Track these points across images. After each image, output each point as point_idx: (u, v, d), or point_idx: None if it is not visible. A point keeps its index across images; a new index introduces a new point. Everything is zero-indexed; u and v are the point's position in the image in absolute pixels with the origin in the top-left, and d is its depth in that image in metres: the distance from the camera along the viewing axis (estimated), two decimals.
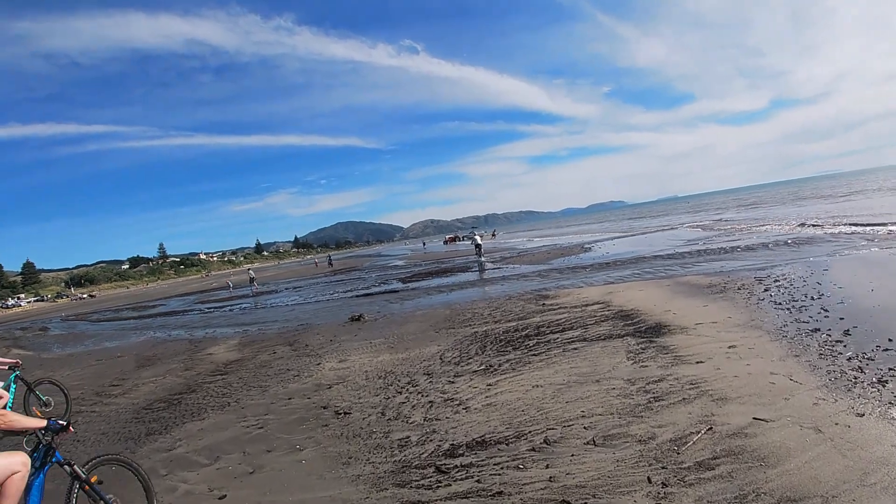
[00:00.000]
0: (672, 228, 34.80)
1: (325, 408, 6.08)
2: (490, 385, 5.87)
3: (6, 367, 6.56)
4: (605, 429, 4.23)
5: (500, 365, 6.61)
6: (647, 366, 5.71)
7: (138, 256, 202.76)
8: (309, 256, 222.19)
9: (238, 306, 24.09)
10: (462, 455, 4.18)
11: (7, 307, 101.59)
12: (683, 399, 4.62)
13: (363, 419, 5.46)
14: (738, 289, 9.71)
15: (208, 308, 26.03)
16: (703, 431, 3.92)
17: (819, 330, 6.30)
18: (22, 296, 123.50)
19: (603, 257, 20.59)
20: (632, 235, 33.53)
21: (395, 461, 4.30)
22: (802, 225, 21.93)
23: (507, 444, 4.23)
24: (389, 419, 5.31)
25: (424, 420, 5.11)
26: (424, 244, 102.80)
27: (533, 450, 4.08)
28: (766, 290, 9.20)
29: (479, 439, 4.40)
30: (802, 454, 3.48)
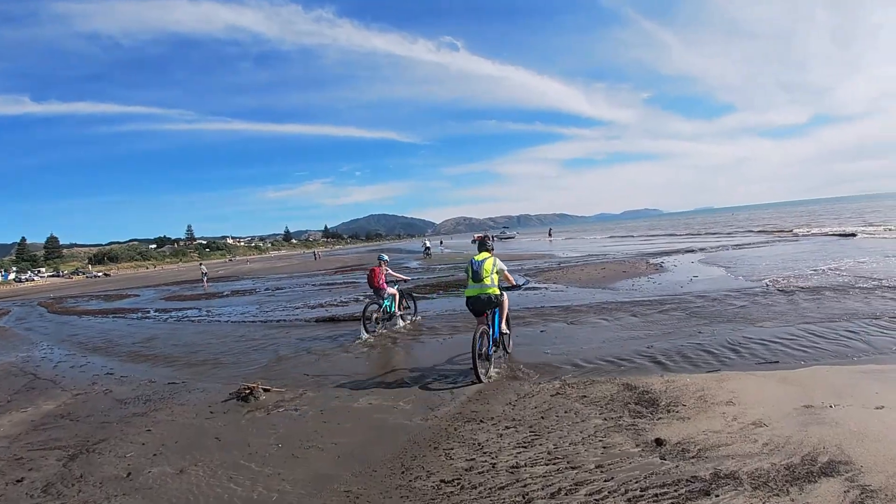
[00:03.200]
0: (767, 243, 27.03)
1: None
2: None
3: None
4: None
5: None
6: None
7: (164, 237, 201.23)
8: (338, 247, 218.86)
9: (187, 314, 18.09)
10: None
11: (20, 281, 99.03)
12: None
13: None
14: None
15: (157, 311, 20.17)
16: None
17: None
18: (42, 270, 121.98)
19: (709, 287, 12.66)
20: (713, 251, 24.04)
21: None
22: None
23: None
24: None
25: None
26: (442, 242, 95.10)
27: None
28: None
29: None
30: None
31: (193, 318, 16.57)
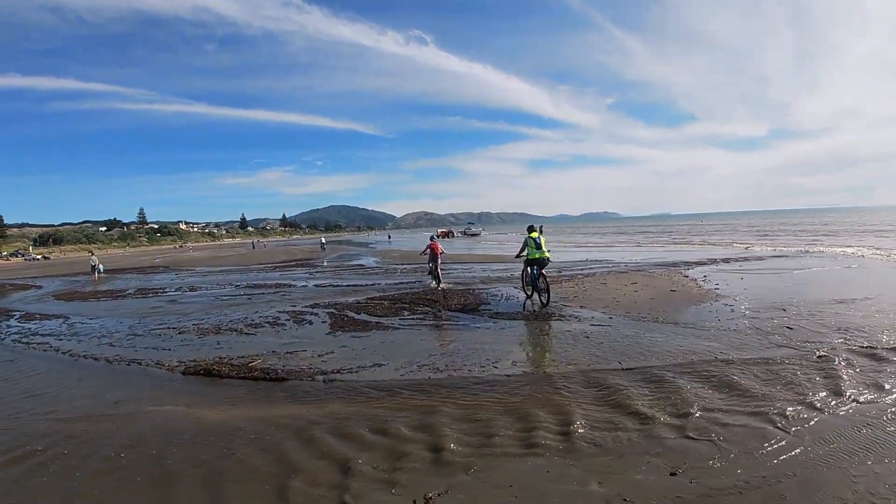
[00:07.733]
0: (804, 257, 21.92)
1: None
2: None
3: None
4: None
5: None
6: None
7: (115, 219, 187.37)
8: (294, 237, 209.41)
9: (44, 326, 12.71)
10: None
11: None
12: None
13: None
14: None
15: (20, 318, 14.54)
16: None
17: None
18: None
19: (854, 335, 7.35)
20: (743, 262, 18.90)
21: None
22: None
23: None
24: None
25: None
26: (390, 238, 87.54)
27: None
28: None
29: None
30: None
31: (40, 337, 11.05)
